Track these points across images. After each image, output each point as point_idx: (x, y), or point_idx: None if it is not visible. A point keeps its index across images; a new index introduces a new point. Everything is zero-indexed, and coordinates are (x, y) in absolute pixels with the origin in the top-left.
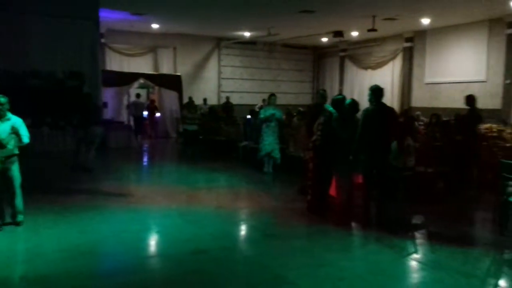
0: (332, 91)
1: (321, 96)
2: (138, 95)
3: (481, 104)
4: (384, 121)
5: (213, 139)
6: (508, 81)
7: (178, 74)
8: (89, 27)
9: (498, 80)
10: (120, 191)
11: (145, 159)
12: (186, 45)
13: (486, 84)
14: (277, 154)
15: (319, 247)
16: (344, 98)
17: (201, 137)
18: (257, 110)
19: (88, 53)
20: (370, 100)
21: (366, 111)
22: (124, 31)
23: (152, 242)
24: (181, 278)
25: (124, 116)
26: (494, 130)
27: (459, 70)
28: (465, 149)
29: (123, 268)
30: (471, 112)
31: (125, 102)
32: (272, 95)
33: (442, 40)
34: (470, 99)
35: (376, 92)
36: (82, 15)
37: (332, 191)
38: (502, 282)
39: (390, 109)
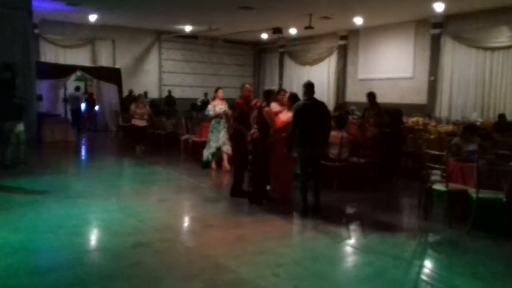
0: (272, 86)
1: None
2: (77, 88)
3: (408, 99)
4: (317, 115)
5: (154, 132)
6: (432, 78)
7: (117, 67)
8: (22, 17)
9: (423, 77)
10: (56, 186)
11: (84, 153)
12: (125, 37)
13: (412, 80)
14: (227, 148)
15: (258, 235)
16: (273, 90)
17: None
18: (199, 104)
19: (20, 44)
20: (304, 95)
21: (298, 105)
22: (59, 21)
23: (91, 237)
24: (120, 272)
25: (61, 109)
26: (420, 123)
27: (388, 67)
28: (393, 141)
29: (60, 264)
30: (372, 106)
31: (61, 95)
32: (219, 88)
33: (373, 39)
34: (371, 96)
35: (308, 87)
36: (14, 4)
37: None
38: (426, 263)
39: (321, 103)
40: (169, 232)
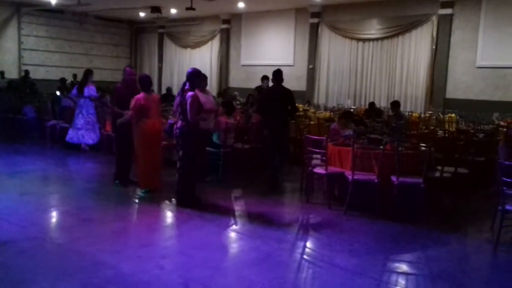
0: (151, 69)
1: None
2: None
3: (289, 86)
4: (281, 99)
5: (14, 117)
6: (311, 66)
7: None
8: None
9: (303, 65)
10: None
11: None
12: None
13: (293, 68)
14: None
15: (141, 227)
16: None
17: None
18: (68, 86)
19: None
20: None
21: (265, 90)
22: None
23: None
24: None
25: None
26: (301, 109)
27: (270, 53)
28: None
29: None
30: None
31: None
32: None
33: (256, 25)
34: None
35: (275, 74)
36: None
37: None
38: (308, 244)
39: (287, 90)
40: (36, 229)
